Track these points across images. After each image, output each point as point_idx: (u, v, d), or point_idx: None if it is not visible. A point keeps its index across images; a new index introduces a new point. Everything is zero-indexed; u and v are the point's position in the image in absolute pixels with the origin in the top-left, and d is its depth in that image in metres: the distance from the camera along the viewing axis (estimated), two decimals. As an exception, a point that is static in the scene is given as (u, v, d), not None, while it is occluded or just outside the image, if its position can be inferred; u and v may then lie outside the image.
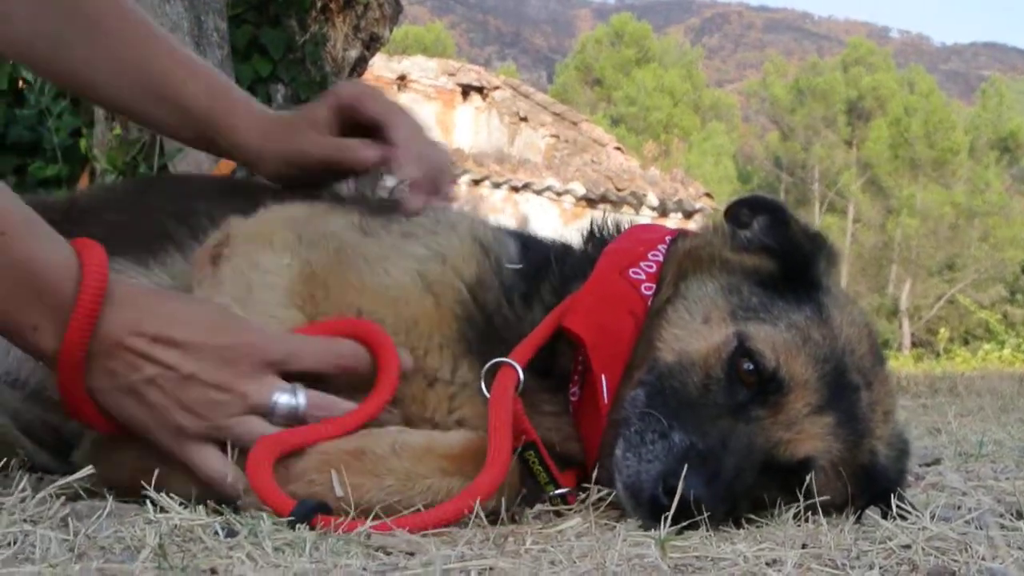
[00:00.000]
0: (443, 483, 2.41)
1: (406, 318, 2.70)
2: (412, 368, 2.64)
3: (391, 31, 13.05)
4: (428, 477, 2.40)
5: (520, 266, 2.85)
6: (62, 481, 2.34)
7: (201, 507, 2.29)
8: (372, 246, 2.82)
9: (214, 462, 2.41)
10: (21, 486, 2.27)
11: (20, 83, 10.19)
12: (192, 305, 2.54)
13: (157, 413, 2.39)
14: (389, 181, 3.14)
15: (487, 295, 2.78)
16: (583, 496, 2.67)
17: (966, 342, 48.29)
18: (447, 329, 2.71)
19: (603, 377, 2.64)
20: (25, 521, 2.08)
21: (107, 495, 2.39)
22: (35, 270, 2.31)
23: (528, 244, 2.97)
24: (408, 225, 2.90)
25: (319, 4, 11.86)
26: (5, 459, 2.40)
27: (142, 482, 2.35)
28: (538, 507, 2.65)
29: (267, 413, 2.43)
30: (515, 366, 2.57)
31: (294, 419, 2.44)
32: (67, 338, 2.31)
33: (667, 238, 2.96)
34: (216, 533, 2.09)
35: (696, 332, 2.65)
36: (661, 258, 2.86)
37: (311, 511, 2.25)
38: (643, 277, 2.79)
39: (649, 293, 2.78)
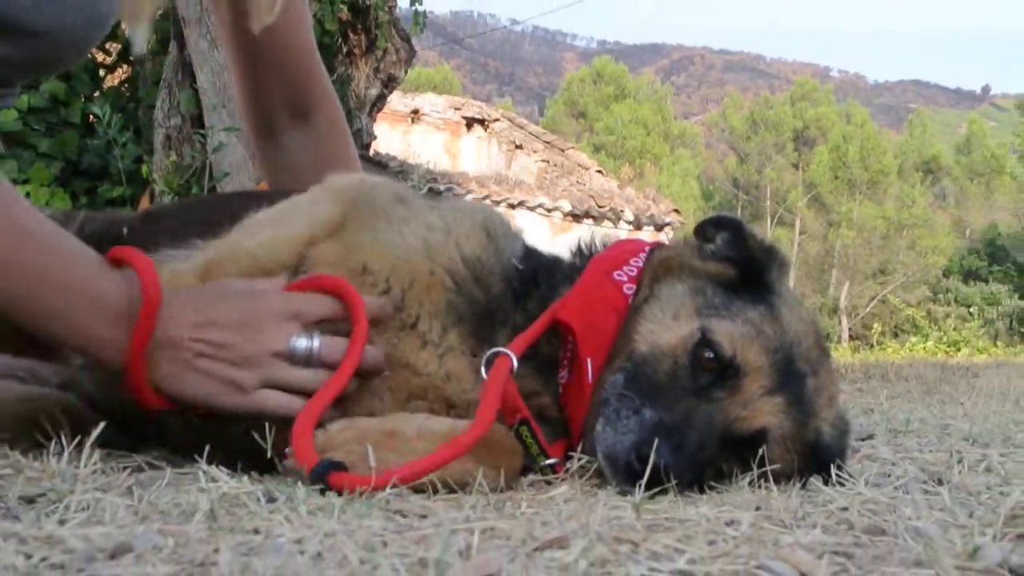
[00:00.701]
0: (458, 464, 2.41)
1: (404, 274, 2.72)
2: (385, 312, 2.69)
3: (406, 72, 13.11)
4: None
5: (522, 267, 2.87)
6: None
7: (246, 477, 2.30)
8: (401, 211, 2.86)
9: (273, 399, 2.48)
10: (93, 459, 2.28)
11: (91, 117, 10.23)
12: (220, 293, 2.57)
13: (214, 379, 2.44)
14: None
15: (485, 274, 2.80)
16: (568, 465, 2.68)
17: (896, 335, 48.23)
18: (437, 299, 2.72)
19: (588, 361, 2.67)
20: (96, 490, 2.08)
21: (165, 467, 2.40)
22: (99, 293, 2.37)
23: (530, 253, 2.99)
24: (437, 203, 2.96)
25: (344, 49, 11.90)
26: (79, 436, 2.40)
27: (196, 456, 2.37)
28: (531, 476, 2.65)
29: (290, 356, 2.51)
30: (510, 355, 2.59)
31: (311, 358, 2.52)
32: (131, 349, 2.37)
33: (647, 248, 2.98)
34: (258, 499, 2.09)
35: (667, 327, 2.67)
36: (641, 264, 2.89)
37: (326, 468, 2.28)
38: (625, 279, 2.83)
39: (630, 293, 2.81)
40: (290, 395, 2.50)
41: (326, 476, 2.28)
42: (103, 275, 2.41)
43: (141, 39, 2.56)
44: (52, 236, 2.38)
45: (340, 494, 2.24)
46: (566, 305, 2.73)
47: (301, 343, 2.51)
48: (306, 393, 2.50)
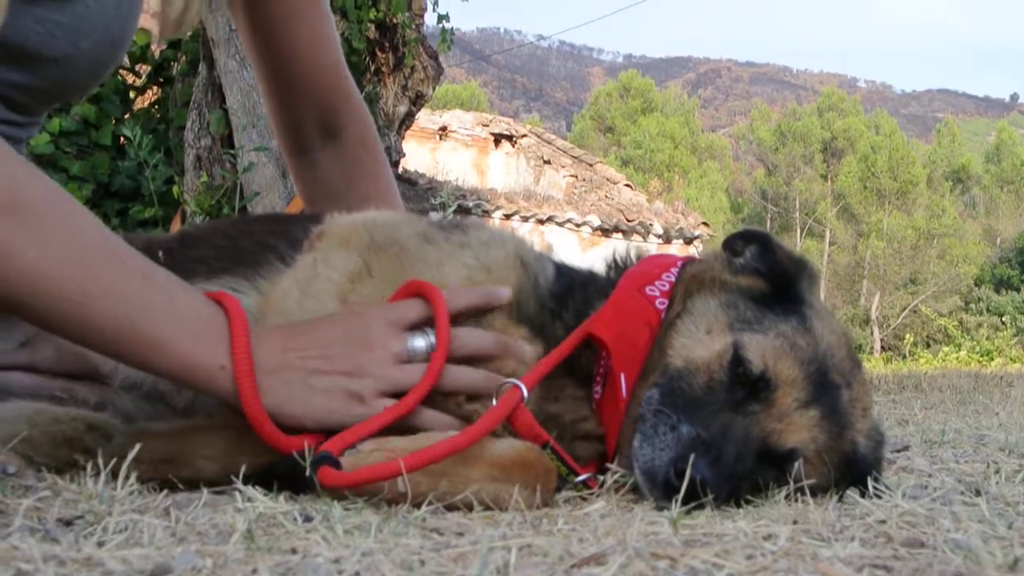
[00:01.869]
0: (491, 487, 2.40)
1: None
2: (472, 303, 2.69)
3: (434, 89, 13.14)
4: (478, 481, 2.39)
5: (555, 288, 2.87)
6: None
7: (281, 497, 2.30)
8: (432, 252, 2.86)
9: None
10: (130, 480, 2.28)
11: (121, 139, 10.31)
12: (318, 319, 2.59)
13: (334, 394, 2.43)
14: (433, 216, 3.19)
15: (525, 303, 2.80)
16: (603, 480, 2.67)
17: (928, 345, 48.01)
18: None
19: (622, 375, 2.66)
20: (134, 511, 2.09)
21: (202, 488, 2.40)
22: (199, 320, 2.39)
23: (561, 270, 2.99)
24: (465, 238, 2.93)
25: (372, 67, 11.93)
26: (116, 457, 2.40)
27: (231, 475, 2.37)
28: (567, 493, 2.65)
29: (411, 357, 2.50)
30: (520, 386, 2.57)
31: (420, 369, 2.50)
32: (237, 368, 2.36)
33: (679, 263, 2.98)
34: (295, 519, 2.09)
35: (700, 342, 2.66)
36: (673, 279, 2.88)
37: (321, 460, 2.29)
38: (657, 294, 2.82)
39: (662, 307, 2.80)
40: (405, 404, 2.46)
41: (316, 468, 2.29)
42: (199, 303, 2.42)
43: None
44: (149, 265, 2.39)
45: (319, 481, 2.28)
46: (599, 319, 2.72)
47: (419, 342, 2.52)
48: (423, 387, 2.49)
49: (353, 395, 2.43)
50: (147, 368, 2.41)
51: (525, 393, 2.57)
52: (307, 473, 2.30)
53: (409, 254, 2.84)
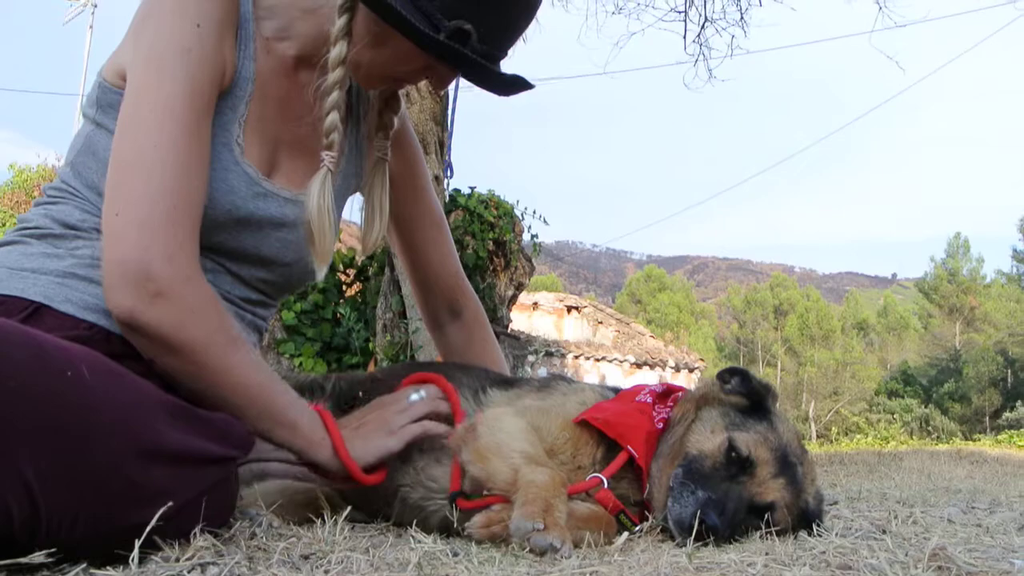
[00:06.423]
0: (577, 533, 2.34)
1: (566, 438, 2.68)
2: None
3: (529, 280, 13.23)
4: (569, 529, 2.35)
5: None
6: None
7: (439, 540, 2.26)
8: (547, 400, 2.83)
9: (410, 430, 2.61)
10: (344, 530, 2.27)
11: (338, 315, 10.48)
12: (370, 407, 2.69)
13: (379, 435, 2.55)
14: (542, 371, 3.14)
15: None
16: (646, 528, 2.59)
17: (847, 434, 46.49)
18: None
19: (629, 447, 2.61)
20: (347, 550, 2.07)
21: (388, 534, 2.38)
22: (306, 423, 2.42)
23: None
24: (563, 395, 2.88)
25: (491, 267, 12.07)
26: (335, 515, 2.39)
27: (407, 526, 2.34)
28: (623, 535, 2.58)
29: (406, 407, 2.64)
30: (602, 477, 2.53)
31: (421, 405, 2.65)
32: (334, 440, 2.42)
33: (647, 388, 2.90)
34: (448, 554, 2.06)
35: (707, 438, 2.62)
36: (659, 392, 2.85)
37: (455, 496, 2.42)
38: (650, 400, 2.82)
39: (650, 404, 2.79)
40: (420, 423, 2.60)
41: (455, 501, 2.35)
42: (309, 414, 2.43)
43: (322, 274, 2.73)
44: (285, 393, 2.40)
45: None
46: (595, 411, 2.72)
47: (414, 396, 2.66)
48: (425, 415, 2.63)
49: (390, 432, 2.55)
50: (281, 442, 2.40)
51: (606, 483, 2.54)
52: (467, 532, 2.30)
53: (540, 411, 2.77)
